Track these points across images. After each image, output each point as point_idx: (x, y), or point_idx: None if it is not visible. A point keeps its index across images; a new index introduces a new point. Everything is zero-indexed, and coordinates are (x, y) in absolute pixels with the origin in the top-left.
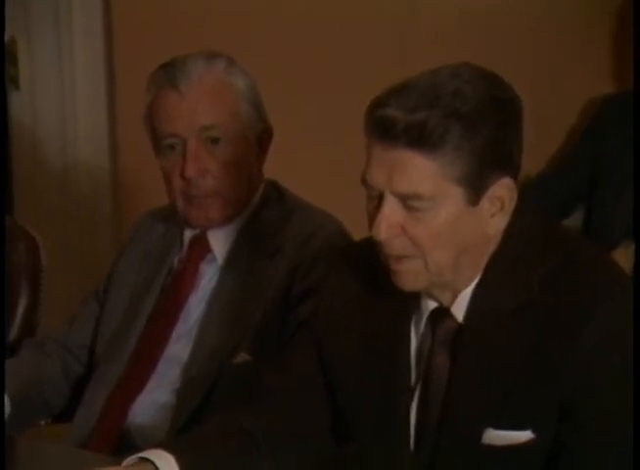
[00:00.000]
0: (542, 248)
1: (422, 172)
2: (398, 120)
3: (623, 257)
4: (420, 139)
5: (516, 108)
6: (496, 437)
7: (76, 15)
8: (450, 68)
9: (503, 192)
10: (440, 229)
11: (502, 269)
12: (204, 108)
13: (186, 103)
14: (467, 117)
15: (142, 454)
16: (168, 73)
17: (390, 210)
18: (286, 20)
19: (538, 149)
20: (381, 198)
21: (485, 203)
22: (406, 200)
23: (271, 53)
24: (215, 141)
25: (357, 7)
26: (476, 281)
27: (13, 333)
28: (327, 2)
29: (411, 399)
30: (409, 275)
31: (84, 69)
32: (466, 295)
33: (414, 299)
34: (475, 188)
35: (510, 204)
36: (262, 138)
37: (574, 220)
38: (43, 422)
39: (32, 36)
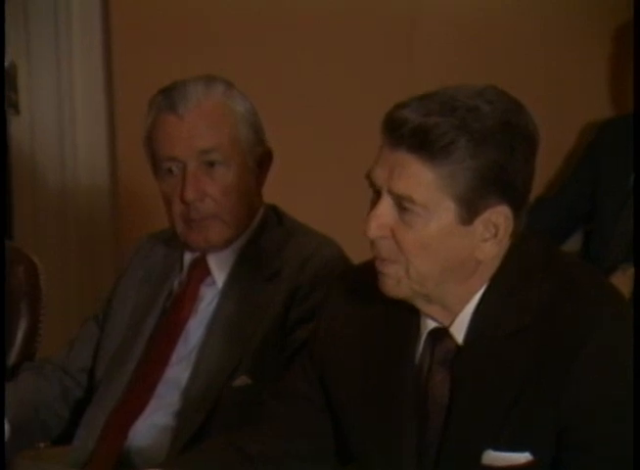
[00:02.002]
0: (541, 271)
1: (419, 178)
2: (408, 122)
3: (622, 280)
4: (422, 145)
5: (529, 138)
6: (495, 458)
7: (76, 39)
8: (477, 86)
9: (499, 219)
10: (428, 240)
11: (501, 293)
12: (203, 131)
13: (185, 126)
14: (475, 134)
15: None
16: (168, 97)
17: (384, 210)
18: (288, 38)
19: (536, 173)
20: (379, 196)
21: (479, 226)
22: (401, 201)
23: (271, 70)
24: (215, 164)
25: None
26: (475, 302)
27: (12, 357)
28: (331, 13)
29: (412, 420)
30: (391, 280)
31: (84, 93)
32: (465, 315)
33: (414, 319)
34: (469, 208)
35: (505, 233)
36: (262, 161)
37: (573, 244)
38: (42, 444)
39: (32, 61)
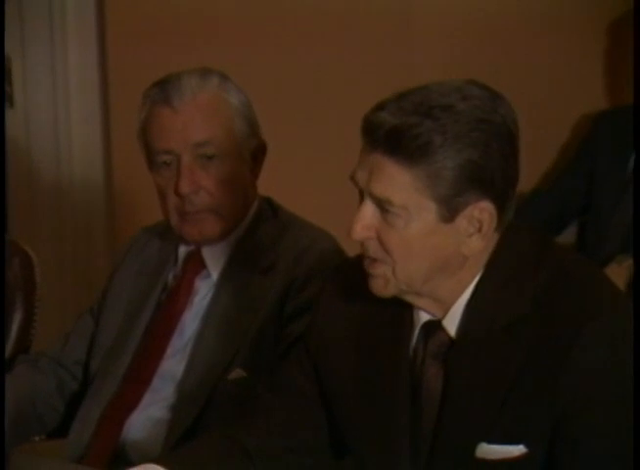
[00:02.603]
0: (535, 264)
1: (396, 181)
2: (383, 124)
3: (617, 272)
4: (397, 147)
5: (506, 134)
6: (489, 451)
7: (71, 33)
8: (456, 81)
9: (482, 214)
10: (411, 240)
11: (495, 284)
12: (197, 124)
13: (180, 119)
14: (450, 134)
15: (135, 469)
16: (162, 90)
17: (368, 211)
18: (281, 31)
19: (532, 165)
20: (362, 196)
21: (463, 222)
22: (381, 203)
23: (267, 65)
24: (209, 157)
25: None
26: (468, 294)
27: (7, 349)
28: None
29: (406, 413)
30: (380, 280)
31: (78, 86)
32: (458, 308)
33: (407, 311)
34: (449, 206)
35: (489, 227)
36: (256, 154)
37: (568, 236)
38: (37, 438)
39: (27, 55)
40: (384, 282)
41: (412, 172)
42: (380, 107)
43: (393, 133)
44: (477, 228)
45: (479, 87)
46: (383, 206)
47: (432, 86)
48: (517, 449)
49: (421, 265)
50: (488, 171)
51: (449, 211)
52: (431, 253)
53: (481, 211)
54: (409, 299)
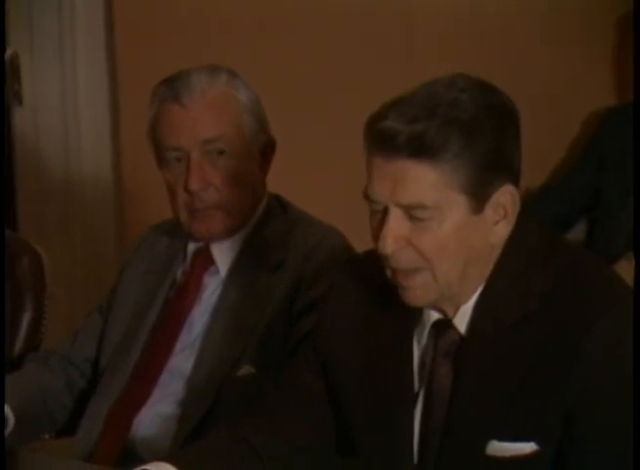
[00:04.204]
0: (544, 260)
1: (425, 182)
2: (399, 132)
3: (627, 269)
4: (421, 149)
5: (513, 115)
6: (500, 448)
7: (79, 30)
8: (445, 79)
9: (506, 199)
10: (446, 239)
11: (504, 281)
12: (206, 121)
13: (189, 116)
14: (465, 125)
15: (146, 467)
16: (171, 87)
17: (396, 223)
18: (290, 28)
19: (540, 162)
20: (385, 212)
21: (489, 211)
22: (411, 211)
23: (275, 62)
24: (218, 154)
25: (364, 12)
26: (478, 293)
27: (17, 347)
28: (333, 8)
29: (414, 411)
30: (419, 290)
31: (87, 84)
32: (468, 306)
33: (417, 309)
34: (478, 195)
35: (513, 210)
36: (265, 151)
37: (577, 233)
38: (47, 436)
39: (36, 52)
40: (423, 291)
41: (438, 170)
42: (382, 117)
43: (413, 138)
44: (502, 215)
45: (468, 78)
46: (413, 212)
47: (424, 88)
48: (528, 447)
49: (458, 263)
50: (507, 154)
51: (478, 200)
52: (465, 248)
53: (505, 196)
54: (441, 303)
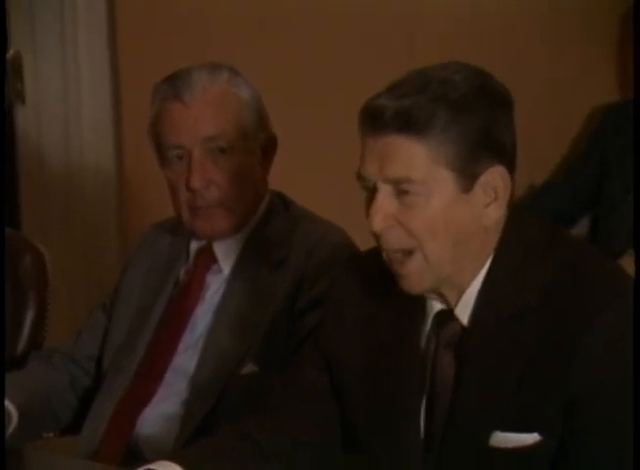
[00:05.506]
0: (543, 254)
1: (412, 156)
2: (387, 108)
3: (630, 264)
4: (408, 123)
5: (505, 99)
6: (503, 439)
7: (81, 28)
8: (440, 63)
9: (496, 180)
10: (434, 217)
11: (505, 273)
12: (208, 118)
13: (190, 113)
14: (454, 102)
15: (150, 466)
16: (173, 85)
17: (384, 200)
18: (291, 26)
19: (543, 158)
20: (374, 190)
21: (479, 191)
22: (399, 185)
23: (276, 60)
24: (220, 151)
25: (365, 11)
26: (480, 282)
27: (20, 346)
28: (334, 7)
29: (418, 403)
30: (414, 276)
31: (89, 83)
32: (469, 296)
33: (419, 302)
34: (465, 173)
35: (504, 193)
36: (267, 148)
37: (580, 229)
38: (52, 435)
39: (38, 51)
40: (418, 277)
41: (425, 144)
42: (375, 97)
43: (400, 112)
44: (493, 197)
45: (464, 64)
46: (401, 187)
47: (417, 71)
48: (531, 437)
49: (447, 243)
50: (497, 135)
51: (466, 178)
52: (454, 227)
53: (495, 176)
54: (441, 289)
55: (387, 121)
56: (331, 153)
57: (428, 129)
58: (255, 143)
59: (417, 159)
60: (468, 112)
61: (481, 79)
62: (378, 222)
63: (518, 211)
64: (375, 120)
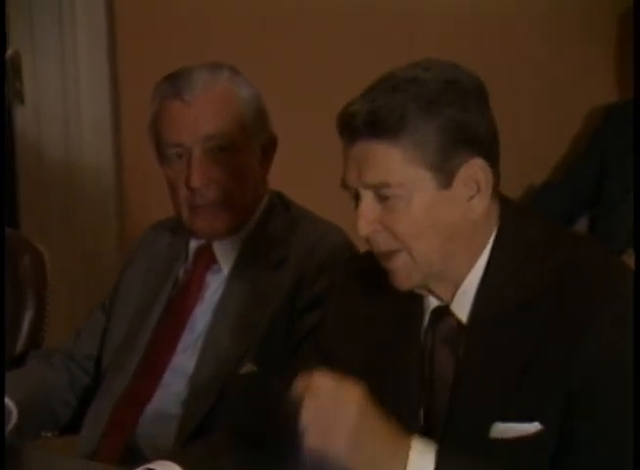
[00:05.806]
0: (543, 253)
1: (387, 160)
2: (357, 113)
3: (630, 264)
4: (378, 128)
5: (478, 89)
6: (504, 430)
7: (81, 28)
8: (410, 63)
9: (477, 173)
10: (418, 218)
11: (505, 271)
12: (208, 117)
13: (190, 112)
14: (422, 100)
15: (149, 465)
16: (173, 84)
17: (367, 206)
18: (291, 26)
19: (543, 158)
20: (358, 197)
21: (460, 185)
22: (379, 191)
23: (276, 60)
24: (219, 150)
25: (365, 11)
26: (477, 277)
27: (19, 345)
28: (334, 6)
29: (418, 399)
30: (402, 273)
31: (88, 82)
32: (465, 290)
33: (417, 299)
34: (443, 170)
35: (486, 185)
36: (267, 148)
37: (580, 229)
38: (50, 434)
39: (37, 50)
40: (406, 273)
41: (398, 146)
42: (350, 103)
43: (370, 117)
44: (475, 190)
45: (433, 60)
46: (380, 193)
47: (388, 72)
48: (532, 427)
49: (434, 241)
50: (471, 128)
51: (444, 174)
52: (439, 225)
53: (474, 169)
54: (431, 285)
55: (358, 127)
56: (331, 153)
57: (399, 132)
58: (255, 142)
59: (392, 162)
60: (438, 108)
61: (450, 73)
62: (363, 228)
63: (517, 209)
64: (348, 127)
